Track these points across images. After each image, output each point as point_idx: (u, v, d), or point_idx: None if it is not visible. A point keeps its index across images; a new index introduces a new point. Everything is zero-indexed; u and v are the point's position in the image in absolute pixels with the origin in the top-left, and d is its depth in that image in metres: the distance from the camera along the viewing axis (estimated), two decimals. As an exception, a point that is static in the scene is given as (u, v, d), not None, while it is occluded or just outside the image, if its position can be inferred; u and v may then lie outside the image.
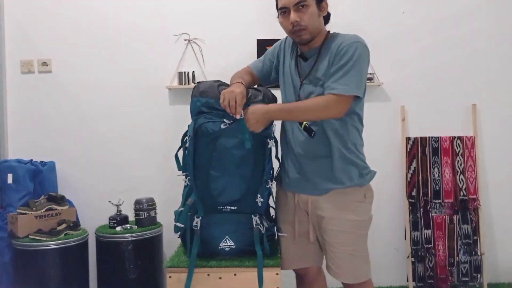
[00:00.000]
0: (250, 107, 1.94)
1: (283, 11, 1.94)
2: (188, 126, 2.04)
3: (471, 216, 3.33)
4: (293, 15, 1.90)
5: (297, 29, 1.92)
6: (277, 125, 2.10)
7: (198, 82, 2.15)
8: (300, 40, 1.97)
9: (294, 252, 2.11)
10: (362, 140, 2.06)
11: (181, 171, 2.08)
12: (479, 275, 3.31)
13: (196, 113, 2.02)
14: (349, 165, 1.98)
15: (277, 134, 2.11)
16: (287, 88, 2.07)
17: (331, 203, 1.99)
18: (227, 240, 2.03)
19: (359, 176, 2.00)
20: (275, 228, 2.14)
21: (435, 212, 3.35)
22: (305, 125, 1.95)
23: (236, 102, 1.92)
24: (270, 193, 2.09)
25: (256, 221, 2.02)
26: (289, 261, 2.13)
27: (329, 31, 2.02)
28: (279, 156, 2.15)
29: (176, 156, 2.11)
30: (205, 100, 2.01)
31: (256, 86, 2.15)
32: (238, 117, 1.93)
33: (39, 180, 3.15)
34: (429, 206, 3.34)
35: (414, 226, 3.34)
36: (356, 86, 1.88)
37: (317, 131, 1.94)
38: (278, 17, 1.99)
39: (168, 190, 3.17)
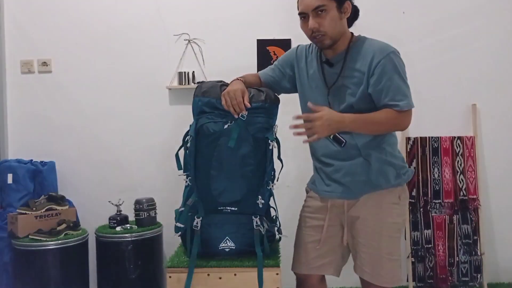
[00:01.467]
0: (326, 109, 1.85)
1: (302, 16, 1.89)
2: (190, 126, 2.04)
3: (471, 216, 3.33)
4: (311, 22, 1.85)
5: (317, 35, 1.88)
6: (278, 125, 2.09)
7: (199, 82, 2.15)
8: (321, 45, 1.92)
9: (318, 257, 2.05)
10: (396, 138, 2.03)
11: (181, 171, 2.08)
12: (479, 275, 3.31)
13: (197, 112, 2.03)
14: (386, 165, 1.95)
15: (278, 135, 2.10)
16: (313, 96, 1.99)
17: (367, 204, 1.95)
18: (227, 241, 2.04)
19: (396, 177, 1.96)
20: (276, 229, 2.13)
21: (435, 212, 3.35)
22: (334, 135, 1.90)
23: (237, 100, 1.91)
24: (271, 194, 2.09)
25: (257, 222, 2.02)
26: (309, 265, 2.06)
27: (353, 34, 1.97)
28: (281, 157, 2.15)
29: (177, 156, 2.11)
30: (207, 99, 2.01)
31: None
32: (244, 112, 1.93)
33: (39, 180, 3.15)
34: (429, 206, 3.34)
35: (414, 226, 3.34)
36: (409, 97, 1.87)
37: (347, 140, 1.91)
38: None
39: (168, 190, 3.17)
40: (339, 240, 2.04)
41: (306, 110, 2.02)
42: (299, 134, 1.85)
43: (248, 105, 1.94)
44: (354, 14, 1.95)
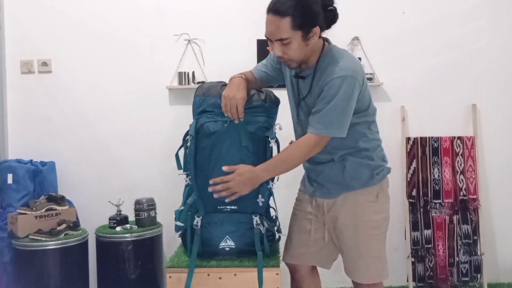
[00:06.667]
0: (238, 169, 1.92)
1: (268, 39, 1.86)
2: (190, 125, 2.04)
3: (471, 216, 3.33)
4: (275, 50, 1.84)
5: (282, 60, 1.89)
6: (281, 123, 2.10)
7: (199, 82, 2.16)
8: (288, 67, 1.95)
9: (300, 246, 2.11)
10: (378, 140, 2.05)
11: (181, 170, 2.08)
12: (479, 275, 3.32)
13: (198, 112, 2.03)
14: (361, 168, 1.99)
15: (278, 134, 2.10)
16: (291, 100, 2.07)
17: (344, 204, 2.01)
18: (227, 240, 2.04)
19: (369, 177, 2.00)
20: (275, 228, 2.14)
21: (435, 212, 3.35)
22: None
23: (238, 110, 1.93)
24: (270, 194, 2.10)
25: (257, 221, 2.03)
26: (292, 254, 2.13)
27: (325, 43, 1.94)
28: None
29: (177, 155, 2.12)
30: (207, 99, 2.02)
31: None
32: (241, 117, 1.94)
33: (39, 180, 3.15)
34: (429, 206, 3.34)
35: (414, 226, 3.34)
36: (334, 126, 1.85)
37: None
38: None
39: (168, 190, 3.17)
40: (322, 236, 2.10)
41: (292, 107, 2.08)
42: (219, 195, 1.93)
43: (242, 118, 1.96)
44: (333, 18, 1.87)
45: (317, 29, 1.82)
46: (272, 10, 1.79)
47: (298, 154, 1.92)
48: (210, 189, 1.93)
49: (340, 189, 2.01)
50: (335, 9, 1.86)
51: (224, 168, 1.93)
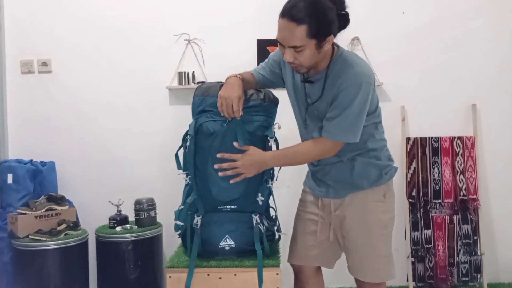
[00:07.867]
0: (250, 149, 1.94)
1: (280, 43, 1.83)
2: (189, 125, 2.04)
3: (471, 216, 3.33)
4: (287, 55, 1.79)
5: (292, 65, 1.85)
6: (280, 122, 2.10)
7: (199, 82, 2.16)
8: (297, 72, 1.92)
9: (306, 248, 2.10)
10: (384, 140, 2.06)
11: (181, 170, 2.08)
12: (479, 275, 3.32)
13: (197, 111, 2.03)
14: (369, 167, 1.99)
15: (277, 134, 2.10)
16: (295, 105, 2.06)
17: (352, 203, 2.01)
18: (227, 239, 2.04)
19: (378, 177, 2.00)
20: (275, 228, 2.14)
21: (435, 212, 3.35)
22: None
23: (233, 109, 1.91)
24: (270, 193, 2.10)
25: (257, 220, 2.03)
26: (298, 256, 2.13)
27: (334, 48, 1.90)
28: None
29: (176, 155, 2.12)
30: (206, 98, 2.02)
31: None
32: (237, 116, 1.94)
33: (39, 180, 3.15)
34: (429, 206, 3.34)
35: (414, 226, 3.34)
36: (350, 132, 1.86)
37: None
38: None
39: (168, 190, 3.17)
40: (328, 236, 2.09)
41: (296, 111, 2.07)
42: (225, 174, 1.93)
43: (238, 117, 1.94)
44: (344, 23, 1.82)
45: (331, 37, 1.78)
46: (288, 15, 1.73)
47: (312, 153, 1.94)
48: (216, 166, 1.93)
49: (348, 189, 2.00)
50: (347, 13, 1.82)
51: (235, 144, 1.92)
